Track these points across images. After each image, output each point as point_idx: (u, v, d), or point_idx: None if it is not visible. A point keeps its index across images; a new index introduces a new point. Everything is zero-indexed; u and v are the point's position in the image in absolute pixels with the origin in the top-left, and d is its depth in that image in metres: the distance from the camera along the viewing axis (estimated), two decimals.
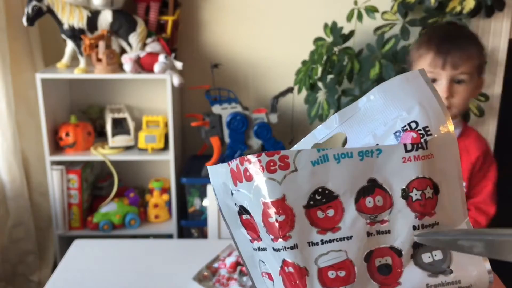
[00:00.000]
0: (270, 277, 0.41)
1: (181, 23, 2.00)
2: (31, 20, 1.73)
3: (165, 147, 1.90)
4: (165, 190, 1.97)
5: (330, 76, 1.83)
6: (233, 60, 2.05)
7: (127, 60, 1.77)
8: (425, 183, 0.40)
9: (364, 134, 0.42)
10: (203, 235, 1.95)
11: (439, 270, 0.40)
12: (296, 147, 0.43)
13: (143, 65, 1.79)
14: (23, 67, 1.87)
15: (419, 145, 0.40)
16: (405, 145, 0.40)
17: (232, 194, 0.41)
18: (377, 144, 0.42)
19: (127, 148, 1.91)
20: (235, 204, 0.42)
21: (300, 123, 2.07)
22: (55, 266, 1.95)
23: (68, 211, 1.90)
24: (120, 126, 1.90)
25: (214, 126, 1.83)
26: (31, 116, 1.91)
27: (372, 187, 0.40)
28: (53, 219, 1.89)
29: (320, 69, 1.83)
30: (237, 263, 1.19)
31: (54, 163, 1.84)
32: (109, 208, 1.90)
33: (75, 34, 1.80)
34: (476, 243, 0.35)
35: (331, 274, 0.39)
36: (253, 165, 0.39)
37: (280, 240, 0.39)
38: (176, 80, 1.76)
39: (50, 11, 1.76)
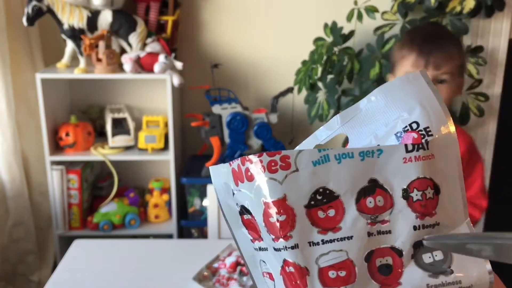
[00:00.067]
0: (271, 277, 0.41)
1: (181, 23, 2.00)
2: (31, 20, 1.73)
3: (165, 147, 1.90)
4: (165, 190, 1.97)
5: (330, 76, 1.83)
6: (233, 60, 2.05)
7: (127, 60, 1.77)
8: (426, 184, 0.40)
9: (366, 135, 0.43)
10: (203, 235, 1.95)
11: (440, 271, 0.40)
12: (298, 148, 0.43)
13: (143, 65, 1.79)
14: (23, 67, 1.87)
15: (420, 146, 0.40)
16: (406, 145, 0.40)
17: (233, 194, 0.41)
18: (378, 145, 0.42)
19: (127, 148, 1.91)
20: (236, 204, 0.42)
21: (300, 123, 2.07)
22: (55, 266, 1.95)
23: (68, 211, 1.90)
24: (120, 126, 1.90)
25: (214, 126, 1.83)
26: (31, 116, 1.90)
27: (373, 187, 0.40)
28: (53, 219, 1.89)
29: (320, 69, 1.83)
30: (237, 263, 1.19)
31: (54, 163, 1.84)
32: (109, 208, 1.90)
33: (75, 34, 1.80)
34: (485, 246, 0.34)
35: (331, 274, 0.39)
36: (255, 165, 0.39)
37: (281, 240, 0.39)
38: (176, 80, 1.76)
39: (50, 11, 1.76)
